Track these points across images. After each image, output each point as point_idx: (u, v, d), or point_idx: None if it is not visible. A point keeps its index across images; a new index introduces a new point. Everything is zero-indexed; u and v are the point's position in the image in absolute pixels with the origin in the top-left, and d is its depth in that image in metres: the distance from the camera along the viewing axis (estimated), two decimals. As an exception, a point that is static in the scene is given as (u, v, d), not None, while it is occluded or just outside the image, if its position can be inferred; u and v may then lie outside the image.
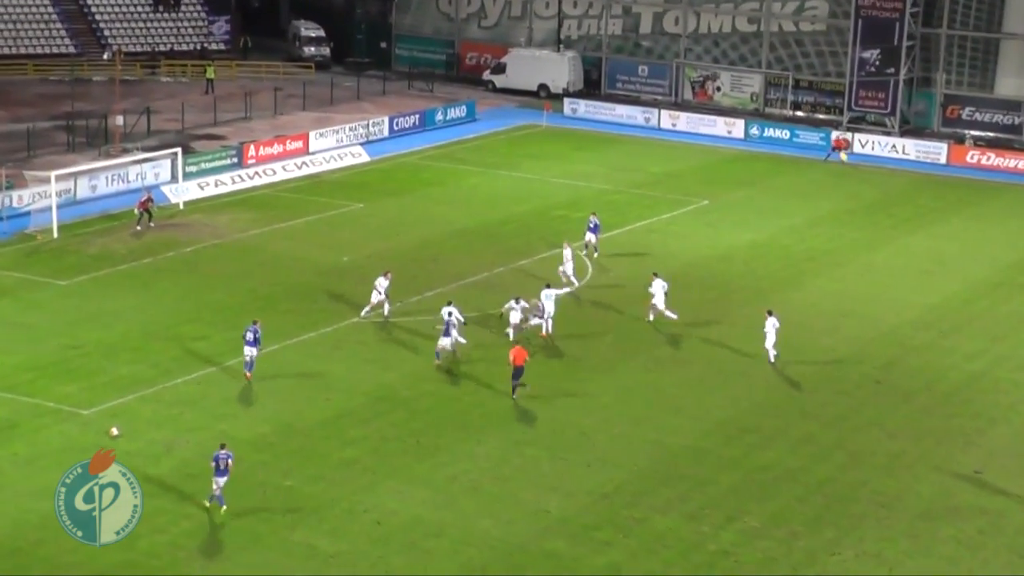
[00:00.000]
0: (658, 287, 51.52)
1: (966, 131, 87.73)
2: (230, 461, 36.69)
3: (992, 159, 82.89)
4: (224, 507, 36.68)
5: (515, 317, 49.32)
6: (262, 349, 46.13)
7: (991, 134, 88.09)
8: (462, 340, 47.68)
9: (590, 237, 59.80)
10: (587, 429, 43.08)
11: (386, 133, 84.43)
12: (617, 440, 42.35)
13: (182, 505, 37.17)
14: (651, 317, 51.64)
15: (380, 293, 50.90)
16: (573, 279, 54.84)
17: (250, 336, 45.48)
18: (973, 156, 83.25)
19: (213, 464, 36.56)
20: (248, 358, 45.55)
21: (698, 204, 70.90)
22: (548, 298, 50.13)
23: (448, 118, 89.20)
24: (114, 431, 41.05)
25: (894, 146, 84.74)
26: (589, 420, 43.79)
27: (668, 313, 51.17)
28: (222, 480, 36.64)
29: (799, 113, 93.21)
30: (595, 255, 59.54)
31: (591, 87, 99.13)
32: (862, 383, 47.79)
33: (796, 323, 52.41)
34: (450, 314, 47.46)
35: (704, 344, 50.31)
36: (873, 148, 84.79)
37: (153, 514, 36.11)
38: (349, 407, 44.14)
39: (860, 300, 56.05)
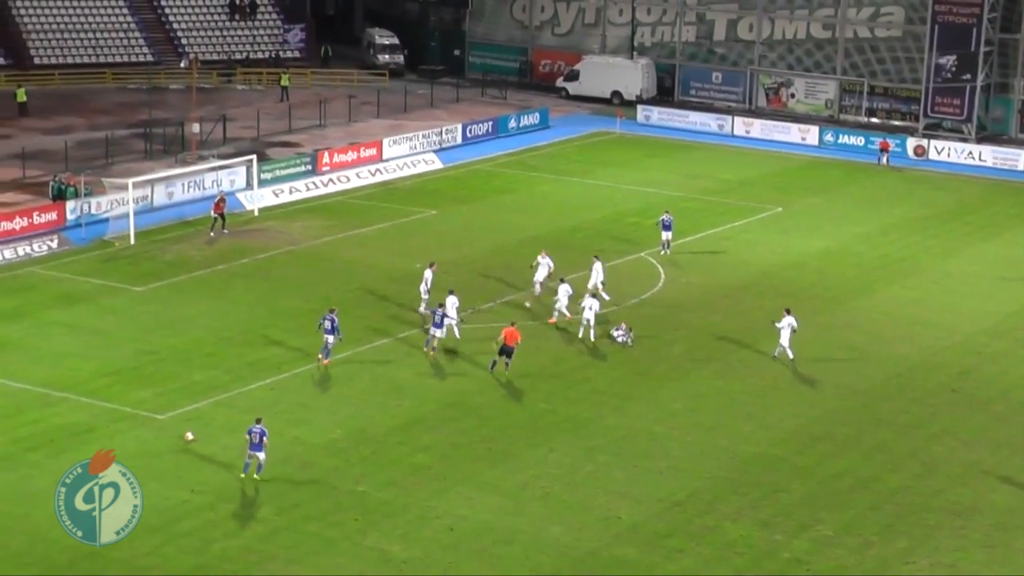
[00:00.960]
0: (787, 324, 49.65)
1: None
2: (264, 438, 38.00)
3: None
4: (258, 476, 38.29)
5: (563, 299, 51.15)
6: (340, 338, 47.29)
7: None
8: (456, 335, 49.18)
9: (666, 235, 60.69)
10: (658, 436, 43.03)
11: (459, 140, 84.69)
12: (689, 447, 42.26)
13: (255, 510, 37.49)
14: (776, 353, 49.70)
15: (427, 286, 52.18)
16: (603, 293, 54.01)
17: (328, 324, 46.91)
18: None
19: (247, 437, 37.85)
20: (326, 344, 47.04)
21: (771, 211, 70.61)
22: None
23: (521, 125, 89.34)
24: (189, 436, 41.48)
25: (970, 153, 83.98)
26: (660, 427, 43.72)
27: (789, 352, 49.40)
28: (259, 455, 37.98)
29: (874, 120, 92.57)
30: (664, 252, 60.33)
31: (665, 94, 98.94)
32: (936, 391, 47.40)
33: (869, 331, 52.07)
34: (441, 306, 48.81)
35: (766, 351, 50.03)
36: (949, 155, 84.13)
37: (226, 518, 36.50)
38: (420, 413, 44.32)
39: (934, 308, 55.61)
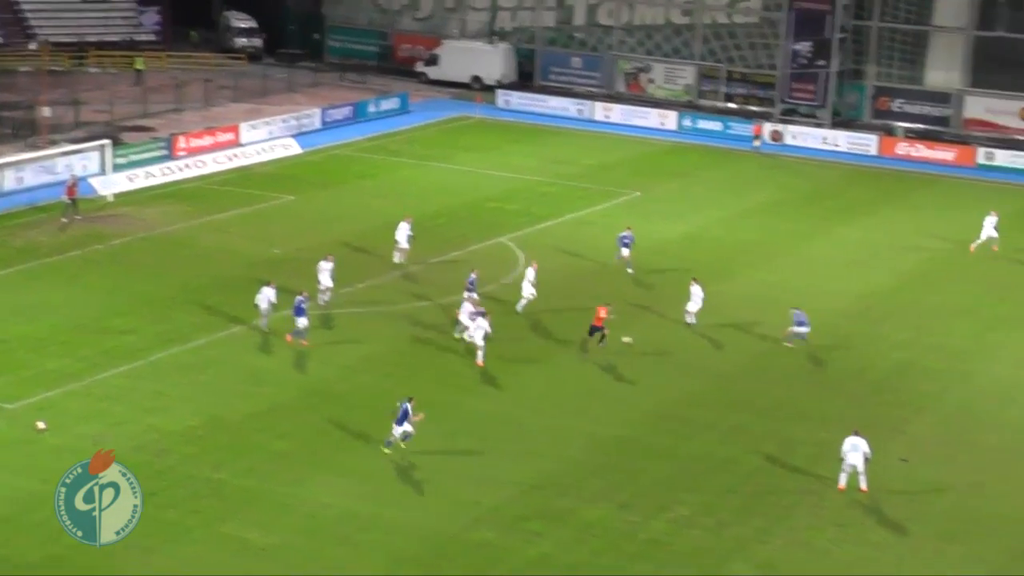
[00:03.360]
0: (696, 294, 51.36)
1: (896, 123, 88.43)
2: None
3: (922, 151, 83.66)
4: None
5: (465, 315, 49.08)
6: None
7: (921, 126, 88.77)
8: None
9: (625, 252, 57.76)
10: (518, 420, 43.06)
11: (318, 125, 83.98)
12: (548, 431, 42.35)
13: (110, 499, 36.83)
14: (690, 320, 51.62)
15: (328, 278, 51.47)
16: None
17: (303, 306, 47.36)
18: (903, 148, 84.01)
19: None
20: (301, 327, 47.41)
21: (630, 196, 71.05)
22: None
23: (381, 110, 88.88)
24: (40, 425, 40.62)
25: (825, 138, 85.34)
26: (520, 411, 43.77)
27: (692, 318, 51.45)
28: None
29: (732, 105, 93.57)
30: (629, 271, 57.79)
31: (524, 79, 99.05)
32: (794, 373, 48.06)
33: (728, 314, 52.60)
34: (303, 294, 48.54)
35: (635, 335, 50.28)
36: (805, 140, 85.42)
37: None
38: (281, 400, 43.87)
39: (792, 291, 56.23)
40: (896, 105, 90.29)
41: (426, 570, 34.48)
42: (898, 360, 49.69)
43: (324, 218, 64.62)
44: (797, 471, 40.18)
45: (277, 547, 34.89)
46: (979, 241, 62.36)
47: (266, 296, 48.72)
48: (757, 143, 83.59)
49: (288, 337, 47.78)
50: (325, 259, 51.99)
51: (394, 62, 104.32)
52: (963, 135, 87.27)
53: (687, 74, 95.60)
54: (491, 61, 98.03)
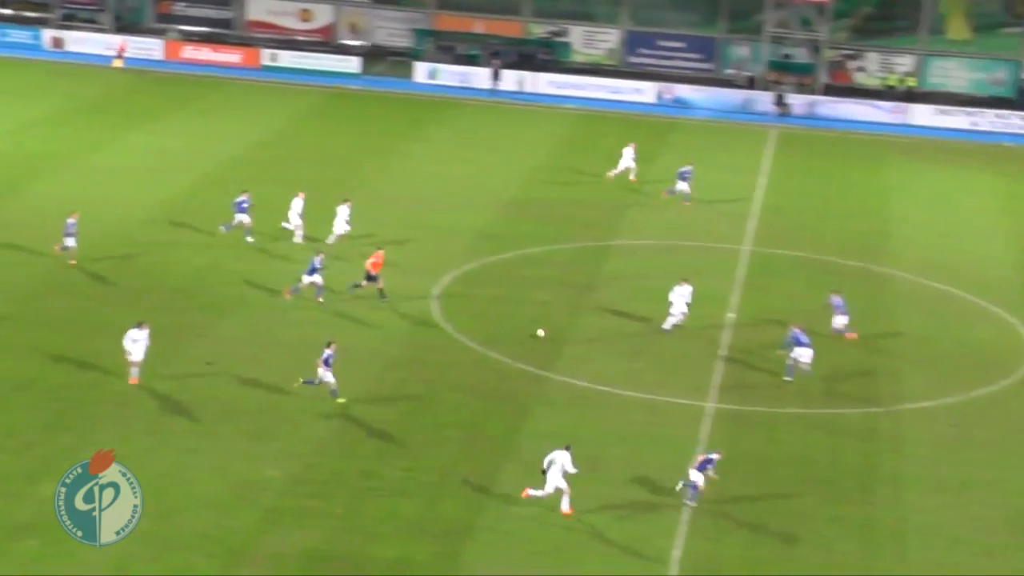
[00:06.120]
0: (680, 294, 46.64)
1: (178, 26, 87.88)
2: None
3: (207, 54, 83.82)
4: None
5: None
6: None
7: (204, 29, 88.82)
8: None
9: (242, 218, 52.19)
10: None
11: None
12: None
13: None
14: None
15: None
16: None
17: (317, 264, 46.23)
18: (189, 51, 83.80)
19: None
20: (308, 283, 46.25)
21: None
22: None
23: None
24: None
25: (109, 44, 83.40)
26: None
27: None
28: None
29: (6, 11, 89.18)
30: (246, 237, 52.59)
31: None
32: (91, 286, 46.82)
33: (21, 230, 50.57)
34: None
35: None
36: (88, 46, 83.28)
37: None
38: None
39: (87, 201, 54.44)
40: (179, 8, 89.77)
41: None
42: (199, 265, 49.60)
43: None
44: (99, 384, 39.23)
45: None
46: (617, 170, 62.98)
47: None
48: (119, 63, 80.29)
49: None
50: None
51: None
52: (247, 37, 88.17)
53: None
54: None
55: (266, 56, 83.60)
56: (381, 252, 47.74)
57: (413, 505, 34.17)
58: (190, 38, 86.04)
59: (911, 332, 47.82)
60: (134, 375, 39.21)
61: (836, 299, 46.46)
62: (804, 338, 43.03)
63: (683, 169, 60.47)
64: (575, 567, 31.99)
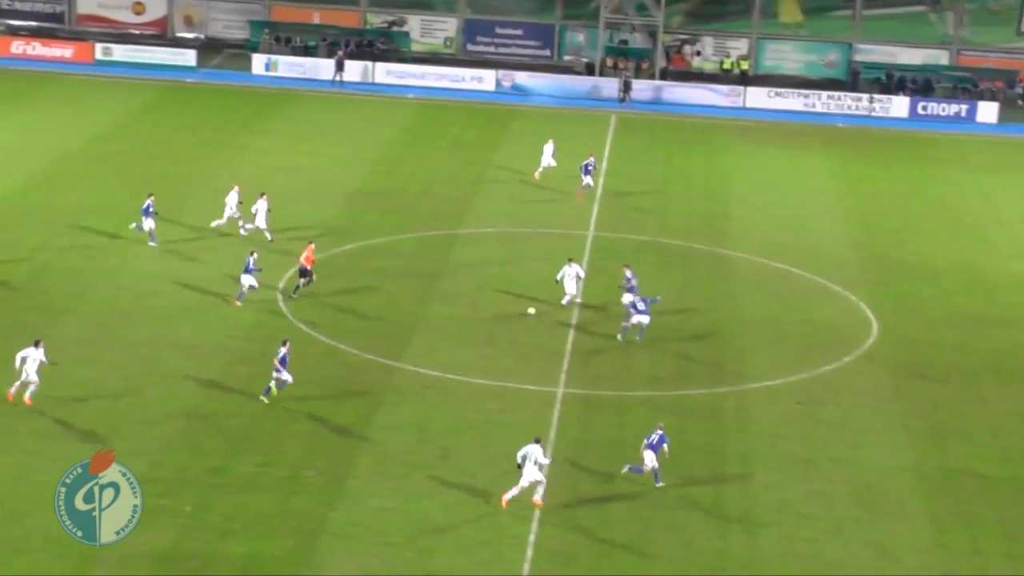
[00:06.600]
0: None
1: (2, 20, 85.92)
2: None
3: (38, 48, 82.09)
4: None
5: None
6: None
7: (34, 23, 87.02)
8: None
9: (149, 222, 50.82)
10: None
11: None
12: None
13: None
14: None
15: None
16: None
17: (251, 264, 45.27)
18: (19, 46, 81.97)
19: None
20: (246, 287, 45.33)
21: None
22: None
23: None
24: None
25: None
26: None
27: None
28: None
29: None
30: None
31: None
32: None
33: None
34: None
35: None
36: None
37: None
38: None
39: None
40: (5, 3, 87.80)
41: None
42: (37, 264, 48.54)
43: None
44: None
45: None
46: (540, 168, 61.89)
47: None
48: None
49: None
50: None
51: None
52: (79, 31, 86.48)
53: None
54: None
55: (99, 50, 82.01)
56: (312, 246, 47.47)
57: (265, 501, 33.77)
58: (18, 32, 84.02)
59: (756, 313, 48.46)
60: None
61: (628, 273, 46.52)
62: (642, 305, 44.10)
63: (586, 162, 60.24)
64: (429, 557, 31.87)
